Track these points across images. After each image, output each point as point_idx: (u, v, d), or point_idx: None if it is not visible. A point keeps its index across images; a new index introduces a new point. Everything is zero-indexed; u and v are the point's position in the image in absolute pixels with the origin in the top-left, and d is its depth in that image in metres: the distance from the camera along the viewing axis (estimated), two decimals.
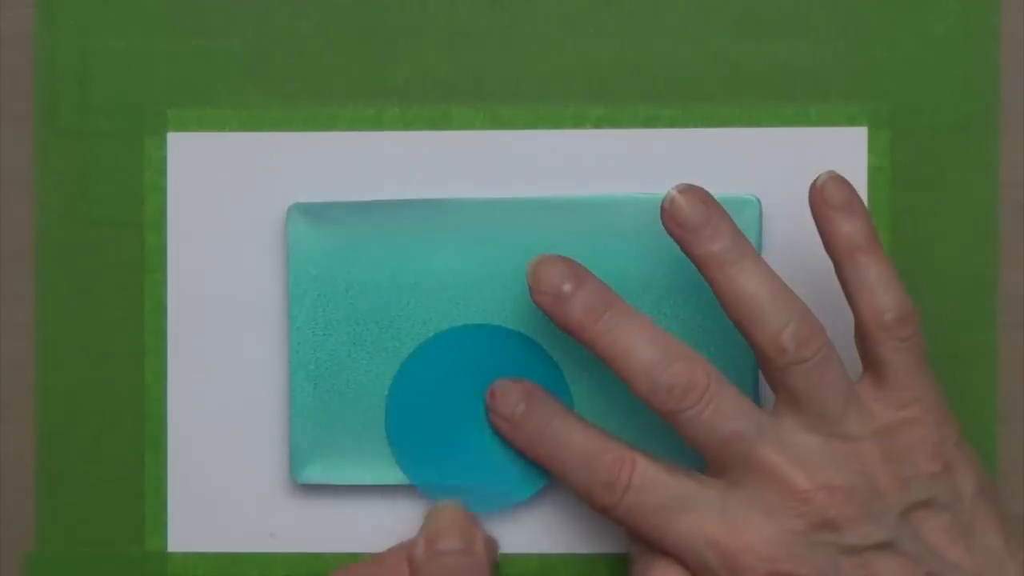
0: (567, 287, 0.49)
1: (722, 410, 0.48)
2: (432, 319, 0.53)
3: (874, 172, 0.54)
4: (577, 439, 0.50)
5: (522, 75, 0.54)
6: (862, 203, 0.49)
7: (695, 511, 0.49)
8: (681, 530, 0.49)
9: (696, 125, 0.54)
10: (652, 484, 0.49)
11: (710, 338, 0.53)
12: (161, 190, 0.54)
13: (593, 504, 0.50)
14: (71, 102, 0.55)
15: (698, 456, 0.49)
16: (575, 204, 0.53)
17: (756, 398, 0.53)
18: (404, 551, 0.51)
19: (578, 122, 0.54)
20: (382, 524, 0.54)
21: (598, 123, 0.54)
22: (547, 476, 0.53)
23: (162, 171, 0.54)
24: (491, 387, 0.52)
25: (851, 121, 0.54)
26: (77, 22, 0.55)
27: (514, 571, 0.54)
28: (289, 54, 0.54)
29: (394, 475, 0.53)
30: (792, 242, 0.53)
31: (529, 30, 0.54)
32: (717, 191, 0.53)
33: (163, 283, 0.54)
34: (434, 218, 0.53)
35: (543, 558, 0.54)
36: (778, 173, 0.53)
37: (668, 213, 0.49)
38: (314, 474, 0.54)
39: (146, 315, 0.54)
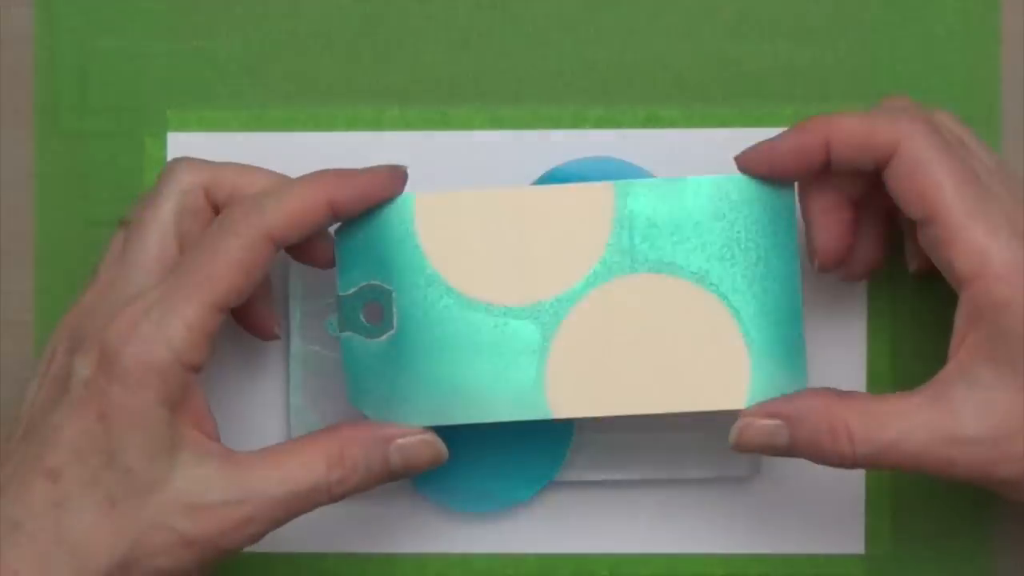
0: None
1: None
2: None
3: None
4: None
5: (522, 75, 0.54)
6: None
7: None
8: None
9: (696, 125, 0.54)
10: None
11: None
12: None
13: None
14: (71, 102, 0.55)
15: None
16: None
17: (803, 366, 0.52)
18: None
19: (578, 122, 0.54)
20: (382, 524, 0.54)
21: (598, 123, 0.54)
22: (547, 476, 0.53)
23: None
24: None
25: None
26: (77, 22, 0.55)
27: (514, 571, 0.54)
28: (289, 54, 0.55)
29: None
30: None
31: (529, 30, 0.54)
32: None
33: None
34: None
35: (543, 558, 0.54)
36: None
37: None
38: None
39: None
